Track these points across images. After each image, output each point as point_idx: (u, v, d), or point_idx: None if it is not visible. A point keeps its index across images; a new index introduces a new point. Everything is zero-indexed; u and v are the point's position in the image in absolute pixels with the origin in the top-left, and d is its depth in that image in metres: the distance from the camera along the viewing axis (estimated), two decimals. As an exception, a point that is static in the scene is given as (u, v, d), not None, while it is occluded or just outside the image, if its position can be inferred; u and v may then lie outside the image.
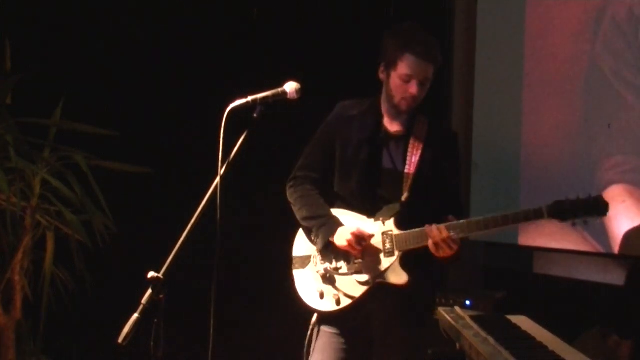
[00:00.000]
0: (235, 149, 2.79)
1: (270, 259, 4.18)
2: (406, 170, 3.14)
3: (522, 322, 2.70)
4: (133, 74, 4.66)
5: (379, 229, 3.13)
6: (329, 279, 3.17)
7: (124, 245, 4.35)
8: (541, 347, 2.38)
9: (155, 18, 4.72)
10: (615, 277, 4.20)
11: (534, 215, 2.92)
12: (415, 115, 3.20)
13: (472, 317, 2.71)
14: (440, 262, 3.09)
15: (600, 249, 4.20)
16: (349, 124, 3.24)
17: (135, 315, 2.52)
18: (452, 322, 2.70)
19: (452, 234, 2.97)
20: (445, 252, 3.01)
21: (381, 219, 3.13)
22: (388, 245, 3.10)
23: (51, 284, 4.08)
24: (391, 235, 3.10)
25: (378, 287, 3.10)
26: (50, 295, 4.09)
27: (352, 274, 3.14)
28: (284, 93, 2.90)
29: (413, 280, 3.07)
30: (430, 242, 3.00)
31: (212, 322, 2.65)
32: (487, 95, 4.60)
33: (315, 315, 3.22)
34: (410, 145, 3.16)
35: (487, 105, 4.60)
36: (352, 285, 3.13)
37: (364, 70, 3.37)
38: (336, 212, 3.23)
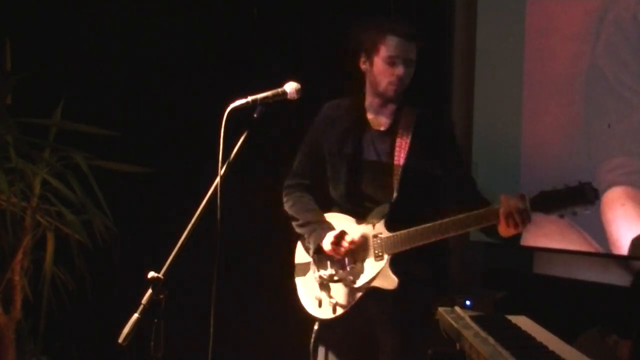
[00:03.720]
0: (235, 149, 2.79)
1: (270, 259, 4.18)
2: (395, 163, 3.05)
3: (522, 322, 2.69)
4: (133, 74, 4.66)
5: (369, 233, 3.06)
6: (325, 286, 3.12)
7: (124, 245, 4.35)
8: (541, 347, 2.37)
9: (155, 18, 4.72)
10: (615, 277, 4.19)
11: None
12: (402, 107, 3.13)
13: (472, 317, 2.70)
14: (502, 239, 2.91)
15: (600, 249, 4.20)
16: (333, 125, 3.19)
17: (135, 315, 2.52)
18: (452, 322, 2.69)
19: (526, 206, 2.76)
20: (512, 228, 2.81)
21: (372, 222, 3.06)
22: (378, 249, 3.03)
23: (51, 284, 4.08)
24: (380, 238, 3.03)
25: (372, 291, 3.04)
26: (50, 295, 4.09)
27: (345, 280, 3.08)
28: (284, 93, 2.90)
29: (407, 282, 3.01)
30: (501, 215, 2.80)
31: (212, 322, 2.65)
32: (487, 95, 4.59)
33: (317, 323, 3.17)
34: (398, 139, 3.07)
35: (487, 105, 4.59)
36: (346, 292, 3.08)
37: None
38: (330, 216, 3.18)
